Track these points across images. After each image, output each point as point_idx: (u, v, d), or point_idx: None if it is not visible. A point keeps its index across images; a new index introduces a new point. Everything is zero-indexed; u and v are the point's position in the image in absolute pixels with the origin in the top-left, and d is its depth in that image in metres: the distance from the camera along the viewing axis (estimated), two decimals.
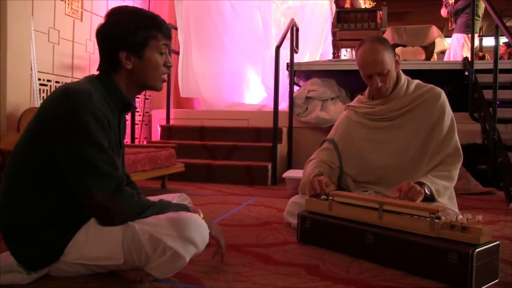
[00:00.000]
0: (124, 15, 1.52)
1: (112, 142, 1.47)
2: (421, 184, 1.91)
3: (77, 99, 1.37)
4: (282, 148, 4.52)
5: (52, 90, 3.85)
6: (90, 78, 1.51)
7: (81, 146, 1.35)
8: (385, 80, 2.11)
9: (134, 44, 1.49)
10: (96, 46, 1.55)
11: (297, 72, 5.14)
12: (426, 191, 1.91)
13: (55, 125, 1.38)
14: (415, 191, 1.85)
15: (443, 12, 7.31)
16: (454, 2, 6.94)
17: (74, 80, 4.06)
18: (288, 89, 4.87)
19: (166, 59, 1.57)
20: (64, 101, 1.39)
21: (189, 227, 1.42)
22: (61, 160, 1.38)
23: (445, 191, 2.01)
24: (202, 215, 1.58)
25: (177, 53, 5.43)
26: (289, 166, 4.61)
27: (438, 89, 2.18)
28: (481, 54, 9.04)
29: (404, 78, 2.21)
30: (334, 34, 7.81)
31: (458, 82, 4.54)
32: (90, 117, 1.36)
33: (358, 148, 2.24)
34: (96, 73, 1.55)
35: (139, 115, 5.32)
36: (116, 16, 1.51)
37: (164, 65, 1.57)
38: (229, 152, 4.46)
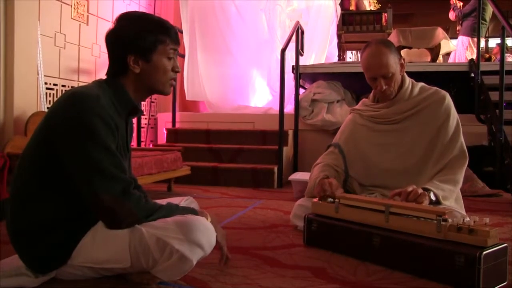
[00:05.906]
0: (133, 20, 1.53)
1: (119, 145, 1.48)
2: (427, 190, 1.90)
3: (84, 102, 1.38)
4: (288, 151, 4.52)
5: (59, 94, 3.87)
6: (98, 83, 1.52)
7: (88, 149, 1.36)
8: (389, 83, 2.11)
9: (142, 48, 1.50)
10: (102, 50, 1.57)
11: (303, 75, 5.14)
12: (432, 197, 1.90)
13: (62, 128, 1.38)
14: (416, 195, 1.83)
15: (451, 15, 7.29)
16: (462, 5, 6.92)
17: (81, 84, 4.08)
18: (293, 92, 4.88)
19: (174, 64, 1.58)
20: (72, 105, 1.39)
21: (196, 230, 1.42)
22: (68, 163, 1.38)
23: (451, 194, 2.00)
24: (209, 219, 1.58)
25: (183, 56, 5.45)
26: (295, 169, 4.60)
27: (443, 91, 2.17)
28: (487, 55, 9.00)
29: (408, 81, 2.20)
30: (339, 36, 7.80)
31: (464, 84, 4.53)
32: (98, 120, 1.37)
33: (363, 151, 2.24)
34: (104, 77, 1.57)
35: (145, 118, 5.33)
36: (125, 20, 1.53)
37: (172, 70, 1.57)
38: (235, 155, 4.47)
